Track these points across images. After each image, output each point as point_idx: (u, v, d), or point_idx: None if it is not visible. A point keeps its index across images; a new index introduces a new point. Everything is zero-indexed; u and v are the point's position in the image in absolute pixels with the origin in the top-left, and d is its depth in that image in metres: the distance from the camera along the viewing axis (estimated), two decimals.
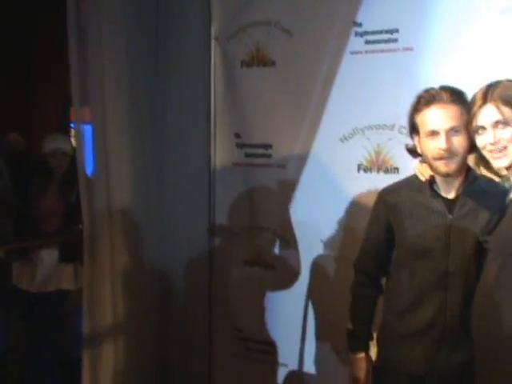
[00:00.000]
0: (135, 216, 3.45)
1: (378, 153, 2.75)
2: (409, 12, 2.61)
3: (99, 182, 3.40)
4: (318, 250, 2.92)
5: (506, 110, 1.75)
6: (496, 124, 1.76)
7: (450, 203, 1.99)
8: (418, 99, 1.97)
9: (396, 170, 2.70)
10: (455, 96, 1.92)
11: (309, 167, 2.92)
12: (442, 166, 1.93)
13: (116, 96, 3.36)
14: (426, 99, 1.94)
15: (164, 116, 3.51)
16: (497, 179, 1.98)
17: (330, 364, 2.91)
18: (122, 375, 3.43)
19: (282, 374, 3.05)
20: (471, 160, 1.96)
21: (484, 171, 1.96)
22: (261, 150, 3.04)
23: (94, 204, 3.35)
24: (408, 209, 2.03)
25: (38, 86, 5.00)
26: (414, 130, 2.01)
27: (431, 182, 2.02)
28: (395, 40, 2.66)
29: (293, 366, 3.03)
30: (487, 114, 1.78)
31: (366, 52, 2.75)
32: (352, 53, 2.77)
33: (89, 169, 3.40)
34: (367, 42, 2.74)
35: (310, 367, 2.99)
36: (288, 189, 2.97)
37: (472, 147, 1.90)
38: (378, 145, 2.74)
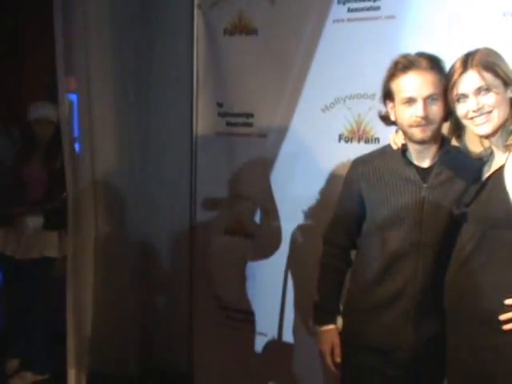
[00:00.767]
0: (119, 185, 3.47)
1: (358, 123, 2.73)
2: None
3: (84, 151, 3.41)
4: (299, 220, 2.90)
5: (487, 75, 1.74)
6: (478, 91, 1.75)
7: (424, 172, 1.95)
8: (394, 64, 1.92)
9: (377, 140, 2.67)
10: (433, 63, 1.88)
11: (290, 137, 2.89)
12: (417, 133, 1.89)
13: (100, 66, 3.37)
14: (403, 65, 1.89)
15: (148, 85, 3.51)
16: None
17: (308, 334, 2.93)
18: (104, 342, 3.48)
19: (261, 342, 3.06)
20: (445, 130, 1.93)
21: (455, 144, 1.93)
22: (242, 119, 3.01)
23: (78, 173, 3.37)
24: (381, 178, 1.99)
25: (27, 55, 4.97)
26: (388, 96, 1.96)
27: (403, 150, 1.98)
28: (377, 8, 2.62)
29: (272, 335, 3.04)
30: (469, 81, 1.76)
31: (349, 20, 2.71)
32: (334, 21, 2.74)
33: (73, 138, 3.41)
34: (350, 10, 2.69)
35: (288, 337, 2.99)
36: (269, 158, 2.95)
37: (447, 116, 1.88)
38: (359, 115, 2.71)
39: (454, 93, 1.79)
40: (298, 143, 2.88)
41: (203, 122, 3.16)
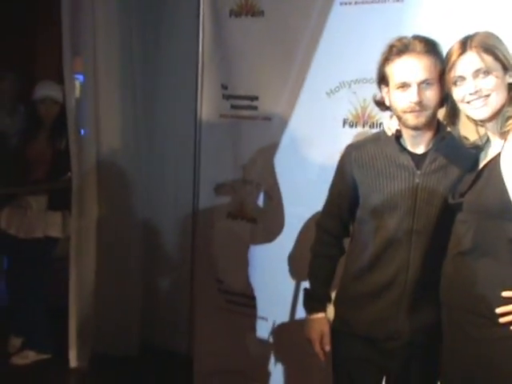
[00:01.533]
0: (123, 167, 3.47)
1: (363, 107, 2.69)
2: None
3: (89, 133, 3.41)
4: (302, 204, 2.86)
5: (487, 57, 1.69)
6: (477, 73, 1.70)
7: (418, 158, 1.90)
8: (389, 48, 1.86)
9: (382, 125, 2.62)
10: (429, 46, 1.82)
11: (294, 120, 2.86)
12: (411, 118, 1.84)
13: (107, 46, 3.37)
14: (398, 48, 1.83)
15: (154, 67, 3.49)
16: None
17: None
18: (106, 322, 3.50)
19: (261, 327, 3.06)
20: (441, 116, 1.89)
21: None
22: (247, 102, 2.98)
23: (83, 154, 3.37)
24: (374, 164, 1.94)
25: (39, 35, 4.97)
26: (383, 80, 1.91)
27: (397, 136, 1.94)
28: None
29: (272, 319, 3.03)
30: (468, 63, 1.71)
31: (356, 3, 2.67)
32: (342, 3, 2.70)
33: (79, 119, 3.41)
34: None
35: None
36: (273, 142, 2.92)
37: (442, 102, 1.84)
38: (365, 99, 2.66)
39: (452, 75, 1.74)
40: (303, 127, 2.85)
41: (207, 104, 3.13)
